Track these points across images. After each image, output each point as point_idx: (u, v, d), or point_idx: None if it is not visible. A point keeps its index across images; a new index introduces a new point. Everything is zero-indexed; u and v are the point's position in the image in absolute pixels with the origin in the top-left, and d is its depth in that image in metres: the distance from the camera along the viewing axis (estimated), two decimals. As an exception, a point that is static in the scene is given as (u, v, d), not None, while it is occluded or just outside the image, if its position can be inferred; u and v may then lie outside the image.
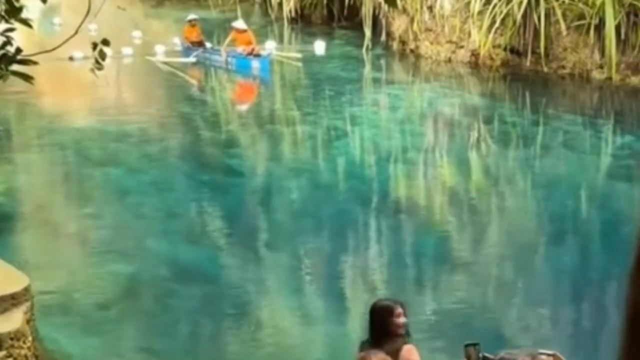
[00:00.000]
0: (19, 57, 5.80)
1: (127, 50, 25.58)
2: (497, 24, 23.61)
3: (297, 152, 18.10)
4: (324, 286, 11.62)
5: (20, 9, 5.96)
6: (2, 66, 5.72)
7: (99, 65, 6.44)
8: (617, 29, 22.40)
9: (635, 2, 22.38)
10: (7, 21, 6.03)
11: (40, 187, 15.77)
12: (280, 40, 29.42)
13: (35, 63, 5.79)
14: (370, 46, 27.10)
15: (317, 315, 11.00)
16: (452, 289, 11.48)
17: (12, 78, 5.87)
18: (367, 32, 27.27)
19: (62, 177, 16.46)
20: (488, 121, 20.17)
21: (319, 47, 27.69)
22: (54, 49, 6.36)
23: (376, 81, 25.19)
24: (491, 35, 23.86)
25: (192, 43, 26.28)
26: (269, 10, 31.70)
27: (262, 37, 27.35)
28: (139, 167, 16.47)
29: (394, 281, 11.76)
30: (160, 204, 14.53)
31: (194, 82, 25.10)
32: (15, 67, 5.86)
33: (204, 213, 14.31)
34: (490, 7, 23.69)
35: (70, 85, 23.06)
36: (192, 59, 25.77)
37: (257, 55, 24.90)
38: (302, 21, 31.56)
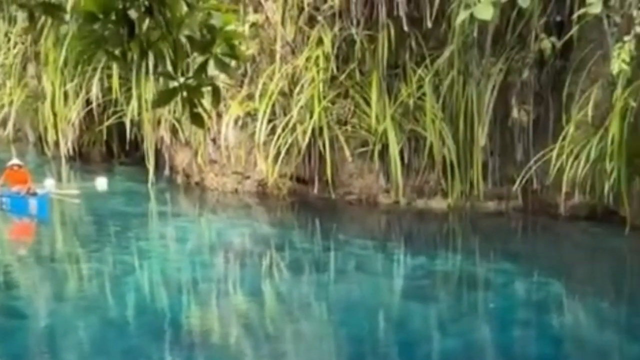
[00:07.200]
0: None
1: None
2: (282, 154, 23.61)
3: (84, 290, 17.14)
4: None
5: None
6: None
7: None
8: (401, 153, 22.92)
9: (415, 128, 23.00)
10: None
11: None
12: (59, 178, 28.46)
13: None
14: (154, 181, 26.65)
15: None
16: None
17: None
18: (150, 166, 26.91)
19: None
20: (279, 249, 19.94)
21: (101, 183, 26.90)
22: None
23: (162, 215, 24.63)
24: (277, 165, 23.82)
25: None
26: (45, 149, 30.73)
27: (39, 175, 26.34)
28: None
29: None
30: None
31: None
32: None
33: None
34: (275, 137, 23.72)
35: None
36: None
37: (34, 194, 23.84)
38: (81, 159, 30.78)
